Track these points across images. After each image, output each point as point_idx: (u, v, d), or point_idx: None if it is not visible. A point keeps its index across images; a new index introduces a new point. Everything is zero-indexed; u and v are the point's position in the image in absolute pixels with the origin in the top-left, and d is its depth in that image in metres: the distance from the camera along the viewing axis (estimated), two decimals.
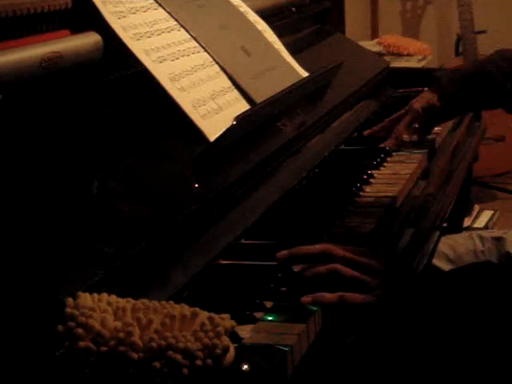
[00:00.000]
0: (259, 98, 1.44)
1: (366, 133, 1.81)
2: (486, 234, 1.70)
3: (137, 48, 1.30)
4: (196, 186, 1.21)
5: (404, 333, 1.42)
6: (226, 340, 0.84)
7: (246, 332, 0.97)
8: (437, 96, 1.67)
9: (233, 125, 1.28)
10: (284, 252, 1.14)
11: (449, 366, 1.40)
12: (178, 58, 1.37)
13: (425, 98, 1.69)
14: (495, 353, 1.39)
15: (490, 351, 1.39)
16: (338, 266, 1.12)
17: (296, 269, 1.14)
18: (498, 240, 1.64)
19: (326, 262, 1.12)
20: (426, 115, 1.69)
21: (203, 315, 0.86)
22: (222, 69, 1.45)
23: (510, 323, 1.41)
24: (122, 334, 0.82)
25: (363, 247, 1.21)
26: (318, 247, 1.15)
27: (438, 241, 1.51)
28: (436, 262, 1.61)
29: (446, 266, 1.60)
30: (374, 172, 1.59)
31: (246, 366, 0.87)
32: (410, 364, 1.41)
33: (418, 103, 1.69)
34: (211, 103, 1.35)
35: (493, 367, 1.37)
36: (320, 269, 1.12)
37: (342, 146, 1.75)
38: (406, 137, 1.72)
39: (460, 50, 3.90)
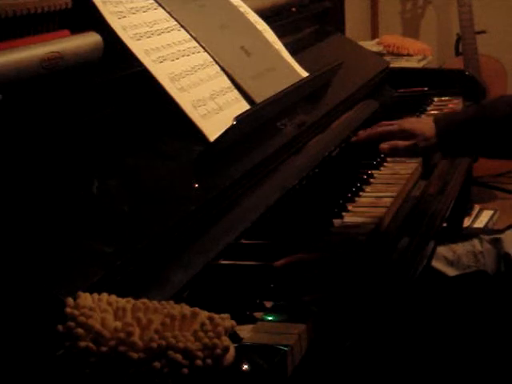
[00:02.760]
0: (259, 98, 1.44)
1: (353, 139, 1.71)
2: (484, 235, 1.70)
3: (137, 48, 1.30)
4: (196, 185, 1.21)
5: (403, 334, 1.42)
6: (226, 340, 0.84)
7: (246, 332, 0.97)
8: (436, 139, 1.60)
9: (233, 125, 1.28)
10: (281, 261, 1.15)
11: (447, 367, 1.40)
12: (178, 58, 1.37)
13: (425, 138, 1.61)
14: (493, 359, 1.39)
15: (486, 357, 1.39)
16: None
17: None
18: (496, 241, 1.65)
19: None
20: (424, 152, 1.64)
21: (203, 315, 0.86)
22: (222, 69, 1.45)
23: (506, 330, 1.41)
24: (122, 334, 0.82)
25: (363, 247, 1.22)
26: (313, 255, 1.17)
27: (436, 243, 1.51)
28: (435, 263, 1.61)
29: (445, 268, 1.60)
30: (373, 172, 1.59)
31: (246, 366, 0.87)
32: (410, 364, 1.42)
33: (422, 143, 1.57)
34: (211, 103, 1.35)
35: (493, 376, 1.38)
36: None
37: (342, 146, 1.75)
38: None
39: (460, 50, 3.90)
